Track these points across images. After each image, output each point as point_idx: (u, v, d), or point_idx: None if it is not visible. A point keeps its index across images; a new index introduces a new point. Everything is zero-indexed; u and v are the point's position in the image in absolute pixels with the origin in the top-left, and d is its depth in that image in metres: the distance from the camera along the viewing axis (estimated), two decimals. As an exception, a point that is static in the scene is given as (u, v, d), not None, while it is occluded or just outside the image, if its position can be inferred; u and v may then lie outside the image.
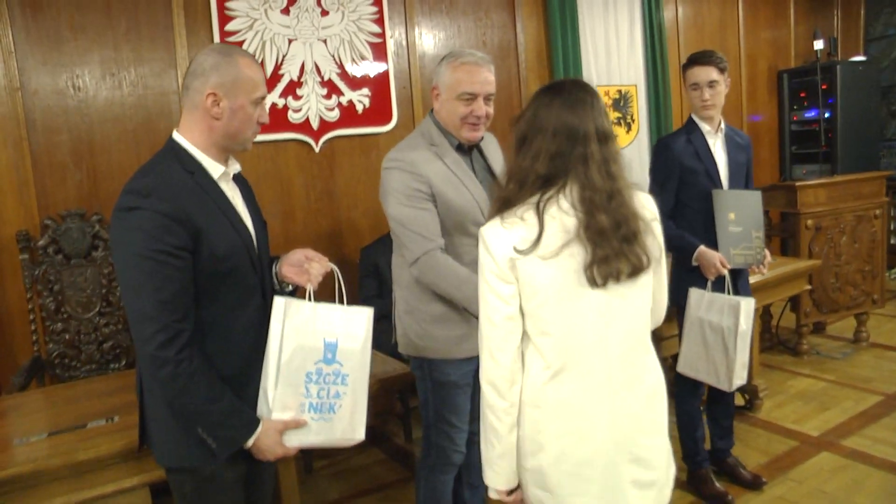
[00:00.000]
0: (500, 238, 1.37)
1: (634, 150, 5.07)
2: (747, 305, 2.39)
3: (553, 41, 4.56)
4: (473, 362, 1.98)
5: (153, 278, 1.33)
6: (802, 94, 5.79)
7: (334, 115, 3.68)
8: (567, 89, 1.40)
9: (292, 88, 3.54)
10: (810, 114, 5.74)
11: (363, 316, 1.52)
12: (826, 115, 5.55)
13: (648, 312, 1.44)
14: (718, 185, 2.56)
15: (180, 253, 1.36)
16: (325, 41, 3.62)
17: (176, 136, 1.50)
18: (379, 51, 3.82)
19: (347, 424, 1.51)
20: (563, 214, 1.34)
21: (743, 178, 2.66)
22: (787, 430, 3.23)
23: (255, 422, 1.44)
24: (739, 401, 3.42)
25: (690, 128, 2.62)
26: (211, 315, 1.44)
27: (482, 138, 2.08)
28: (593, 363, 1.37)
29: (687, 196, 2.57)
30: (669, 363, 3.06)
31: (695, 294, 2.50)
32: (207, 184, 1.46)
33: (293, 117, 3.56)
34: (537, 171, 1.37)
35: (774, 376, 3.88)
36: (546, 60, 4.64)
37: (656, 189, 2.61)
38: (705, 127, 2.59)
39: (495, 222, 1.40)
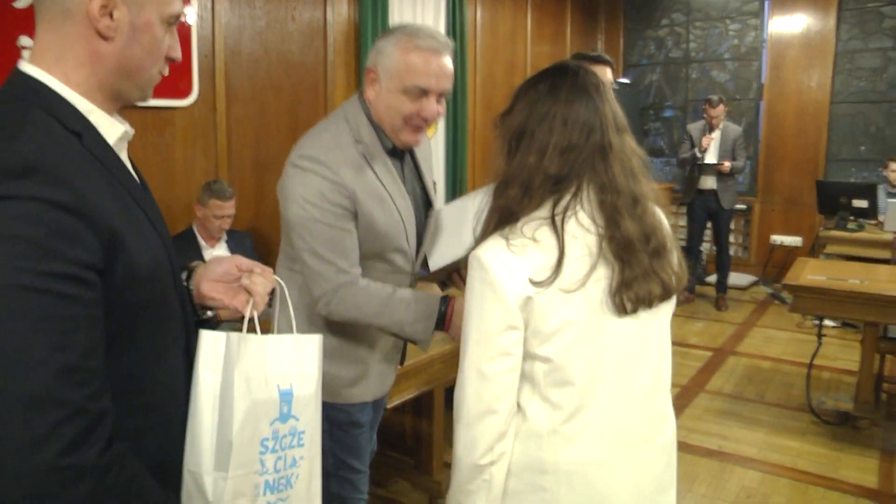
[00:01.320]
0: (510, 267, 1.10)
1: (434, 149, 5.10)
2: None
3: (363, 26, 4.36)
4: (368, 404, 1.73)
5: (45, 327, 0.78)
6: (576, 109, 6.38)
7: (124, 79, 3.03)
8: (571, 73, 1.20)
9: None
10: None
11: (314, 346, 1.14)
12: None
13: (669, 341, 1.27)
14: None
15: (88, 276, 0.82)
16: (114, -15, 2.95)
17: (31, 69, 0.91)
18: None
19: (304, 498, 1.12)
20: (584, 231, 1.13)
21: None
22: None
23: None
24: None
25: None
26: (122, 370, 0.91)
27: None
28: (615, 415, 1.17)
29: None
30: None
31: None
32: (105, 154, 0.94)
33: (71, 76, 2.83)
34: (546, 169, 1.14)
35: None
36: (353, 46, 4.41)
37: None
38: None
39: (498, 245, 1.13)
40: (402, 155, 1.69)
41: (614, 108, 1.20)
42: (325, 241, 1.52)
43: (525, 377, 1.17)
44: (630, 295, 1.13)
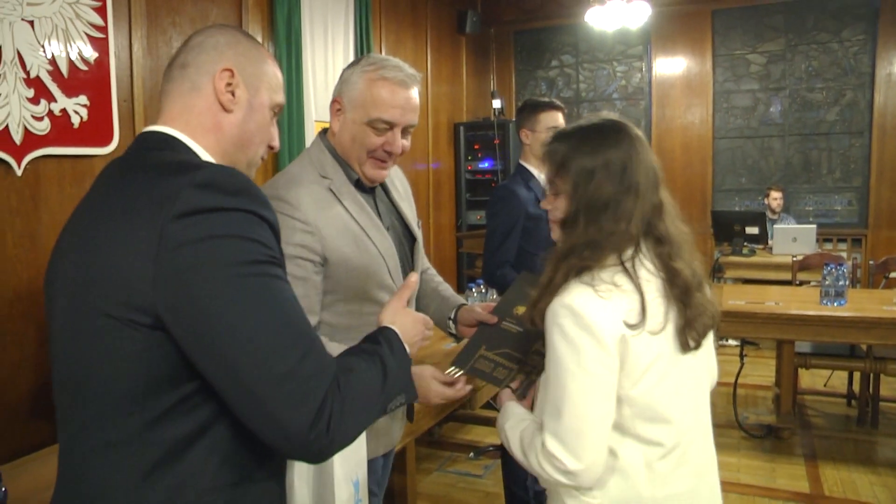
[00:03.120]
0: (604, 312, 1.19)
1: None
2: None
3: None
4: (377, 462, 1.73)
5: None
6: (476, 147, 6.65)
7: (44, 126, 2.83)
8: (626, 127, 1.32)
9: (-14, 84, 2.61)
10: (484, 164, 6.61)
11: None
12: (500, 167, 6.47)
13: None
14: (553, 231, 2.78)
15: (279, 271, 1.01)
16: (31, 23, 2.77)
17: (167, 130, 1.04)
18: (101, 49, 3.08)
19: None
20: (651, 276, 1.25)
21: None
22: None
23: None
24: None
25: (526, 175, 2.77)
26: None
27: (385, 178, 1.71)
28: (697, 446, 1.30)
29: (530, 244, 2.71)
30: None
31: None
32: None
33: (-14, 125, 2.62)
34: (630, 232, 1.25)
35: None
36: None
37: (499, 238, 2.70)
38: (541, 175, 2.78)
39: (586, 292, 1.21)
40: (372, 190, 1.69)
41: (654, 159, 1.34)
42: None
43: (620, 428, 1.25)
44: (692, 333, 1.26)
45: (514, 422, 1.37)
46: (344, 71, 1.61)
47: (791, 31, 6.27)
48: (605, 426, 1.23)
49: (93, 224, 0.93)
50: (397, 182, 1.82)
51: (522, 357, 1.54)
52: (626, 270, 1.23)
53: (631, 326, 1.20)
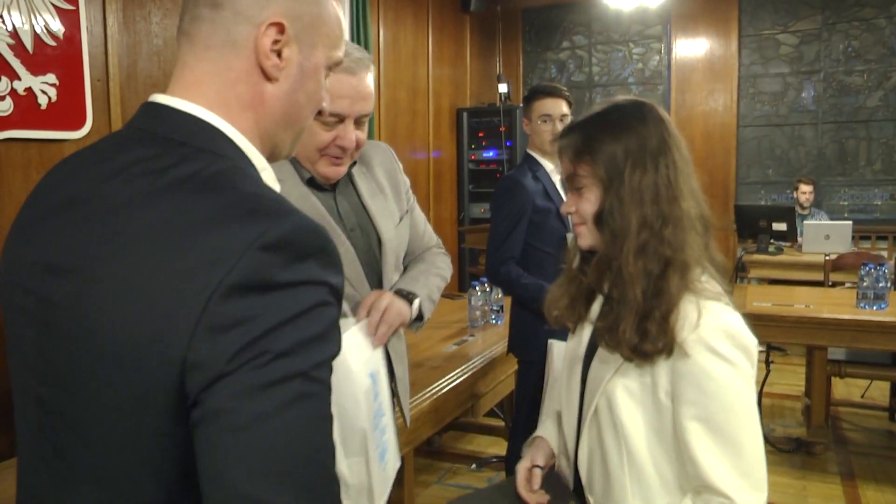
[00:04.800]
0: (746, 329, 1.18)
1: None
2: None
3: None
4: None
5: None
6: (481, 134, 6.53)
7: (6, 107, 2.71)
8: (653, 107, 1.32)
9: (-59, 59, 2.50)
10: (489, 153, 6.50)
11: (364, 328, 1.44)
12: (506, 157, 6.36)
13: None
14: (567, 226, 2.67)
15: None
16: (-7, -6, 2.67)
17: (185, 106, 0.80)
18: (71, 23, 2.97)
19: (395, 454, 1.46)
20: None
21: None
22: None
23: None
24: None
25: (534, 165, 2.67)
26: None
27: (344, 175, 1.58)
28: None
29: (538, 239, 2.60)
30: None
31: (557, 346, 2.54)
32: None
33: (-58, 104, 2.51)
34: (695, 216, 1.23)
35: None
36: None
37: (504, 232, 2.59)
38: (548, 164, 2.67)
39: (721, 307, 1.18)
40: (334, 188, 1.59)
41: None
42: None
43: None
44: None
45: None
46: None
47: (829, 7, 6.08)
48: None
49: (105, 247, 0.73)
50: (376, 166, 1.70)
51: None
52: (707, 271, 1.21)
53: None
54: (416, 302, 1.59)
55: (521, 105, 6.49)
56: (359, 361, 1.28)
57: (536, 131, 2.66)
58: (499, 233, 2.62)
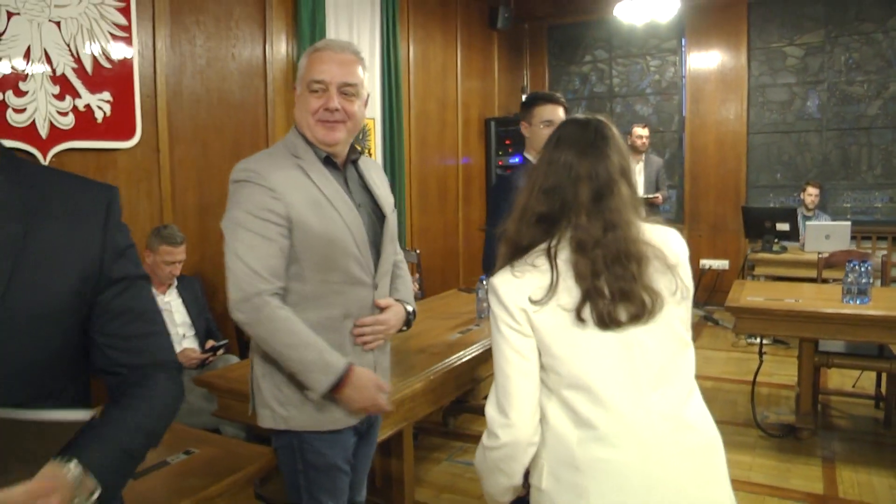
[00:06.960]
0: (512, 288, 1.35)
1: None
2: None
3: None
4: (347, 434, 1.75)
5: None
6: (508, 142, 6.68)
7: (68, 121, 3.01)
8: (582, 124, 1.43)
9: (14, 80, 2.79)
10: (514, 160, 6.63)
11: None
12: (529, 162, 6.48)
13: (685, 348, 1.40)
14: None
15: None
16: (58, 24, 2.95)
17: None
18: (124, 47, 3.26)
19: None
20: (577, 257, 1.33)
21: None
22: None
23: None
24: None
25: (529, 167, 2.80)
26: None
27: (341, 140, 1.74)
28: (632, 415, 1.31)
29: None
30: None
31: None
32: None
33: (14, 119, 2.80)
34: (533, 207, 1.39)
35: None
36: (293, 84, 4.52)
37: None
38: None
39: (505, 271, 1.38)
40: (344, 168, 1.80)
41: (605, 163, 1.39)
42: (247, 247, 1.60)
43: (548, 391, 1.36)
44: (590, 312, 1.31)
45: None
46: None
47: (832, 21, 6.11)
48: (524, 384, 1.34)
49: None
50: (374, 175, 1.92)
51: None
52: (548, 253, 1.36)
53: (534, 302, 1.33)
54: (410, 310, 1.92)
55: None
56: None
57: (537, 135, 2.75)
58: (493, 234, 2.75)
